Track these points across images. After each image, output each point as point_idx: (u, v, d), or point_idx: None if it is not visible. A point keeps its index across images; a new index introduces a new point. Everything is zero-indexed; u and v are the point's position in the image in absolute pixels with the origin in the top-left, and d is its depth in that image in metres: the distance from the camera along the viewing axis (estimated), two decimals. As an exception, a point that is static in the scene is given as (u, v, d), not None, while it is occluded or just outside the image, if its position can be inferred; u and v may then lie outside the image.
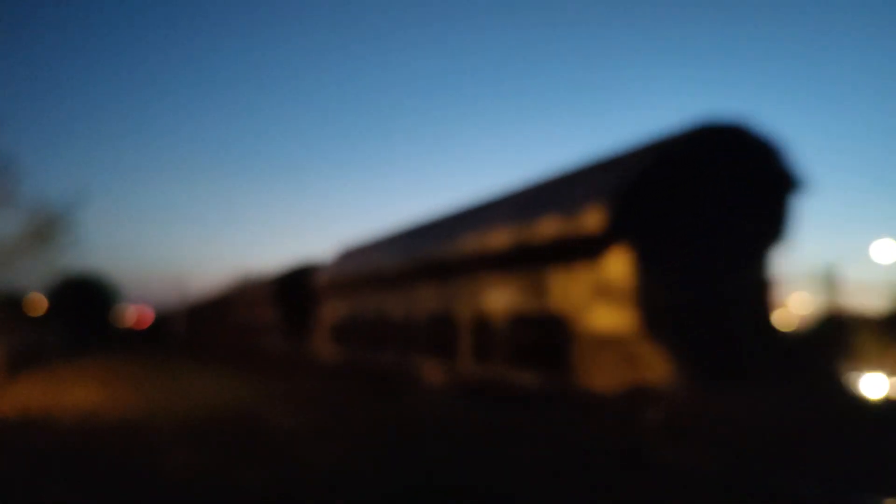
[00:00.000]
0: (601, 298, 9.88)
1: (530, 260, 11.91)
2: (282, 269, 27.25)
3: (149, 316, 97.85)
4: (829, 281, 25.70)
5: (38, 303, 60.06)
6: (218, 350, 38.79)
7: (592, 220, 9.85)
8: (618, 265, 9.62)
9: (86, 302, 71.21)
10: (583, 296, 10.31)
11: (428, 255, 15.35)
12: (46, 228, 19.85)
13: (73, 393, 16.31)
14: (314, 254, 24.76)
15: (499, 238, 12.73)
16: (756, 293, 10.39)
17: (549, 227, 10.98)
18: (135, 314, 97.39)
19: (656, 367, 8.93)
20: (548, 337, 11.31)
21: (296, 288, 24.84)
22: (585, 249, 10.28)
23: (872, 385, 16.66)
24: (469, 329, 14.06)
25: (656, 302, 9.46)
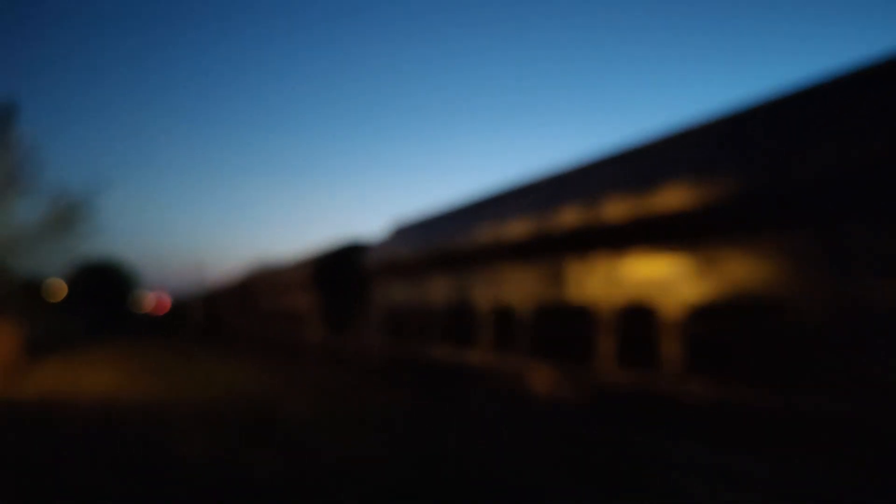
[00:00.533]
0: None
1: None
2: (322, 250, 24.94)
3: (167, 302, 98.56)
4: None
5: (59, 288, 60.65)
6: (240, 338, 37.93)
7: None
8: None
9: (105, 288, 71.83)
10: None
11: (542, 222, 10.84)
12: (67, 215, 20.01)
13: (91, 378, 16.37)
14: (345, 236, 23.71)
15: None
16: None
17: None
18: (153, 300, 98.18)
19: None
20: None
21: (338, 270, 23.02)
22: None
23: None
24: (611, 323, 9.77)
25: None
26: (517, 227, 11.70)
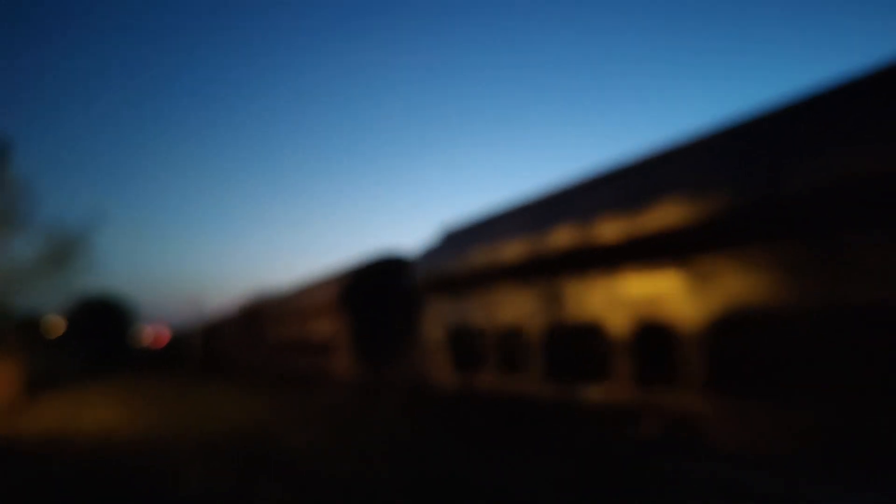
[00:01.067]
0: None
1: None
2: (351, 265, 20.96)
3: (166, 335, 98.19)
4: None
5: (56, 324, 60.43)
6: (245, 372, 34.75)
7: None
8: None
9: (103, 322, 71.52)
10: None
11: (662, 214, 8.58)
12: (63, 250, 20.04)
13: (90, 413, 16.29)
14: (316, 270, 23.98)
15: None
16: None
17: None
18: (152, 334, 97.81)
19: None
20: None
21: (373, 289, 19.45)
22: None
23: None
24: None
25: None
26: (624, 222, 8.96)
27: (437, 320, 14.50)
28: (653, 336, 8.34)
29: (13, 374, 22.37)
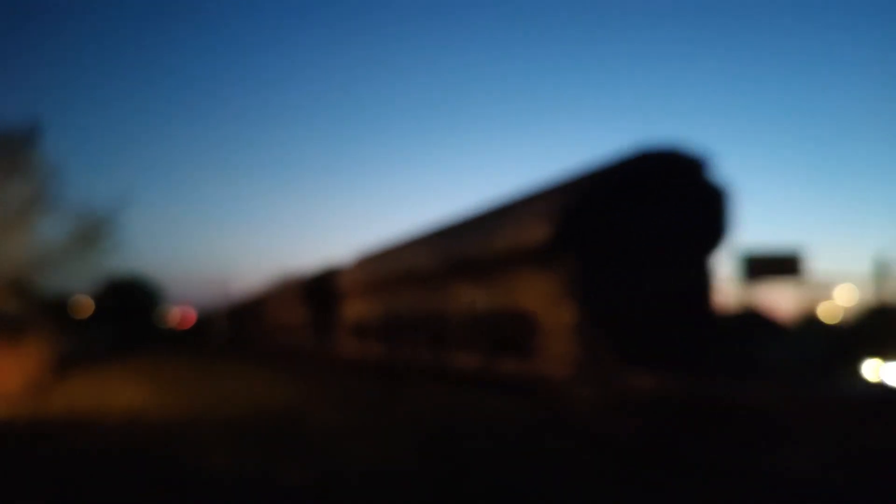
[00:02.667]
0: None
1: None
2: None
3: (192, 316, 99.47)
4: (879, 274, 25.08)
5: (85, 305, 61.48)
6: (256, 348, 39.75)
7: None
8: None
9: (130, 303, 72.74)
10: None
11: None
12: (91, 232, 20.36)
13: (118, 393, 16.61)
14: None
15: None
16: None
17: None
18: (178, 314, 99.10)
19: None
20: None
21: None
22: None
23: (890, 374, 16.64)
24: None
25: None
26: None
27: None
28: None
29: (42, 355, 22.80)
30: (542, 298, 11.58)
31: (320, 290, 26.75)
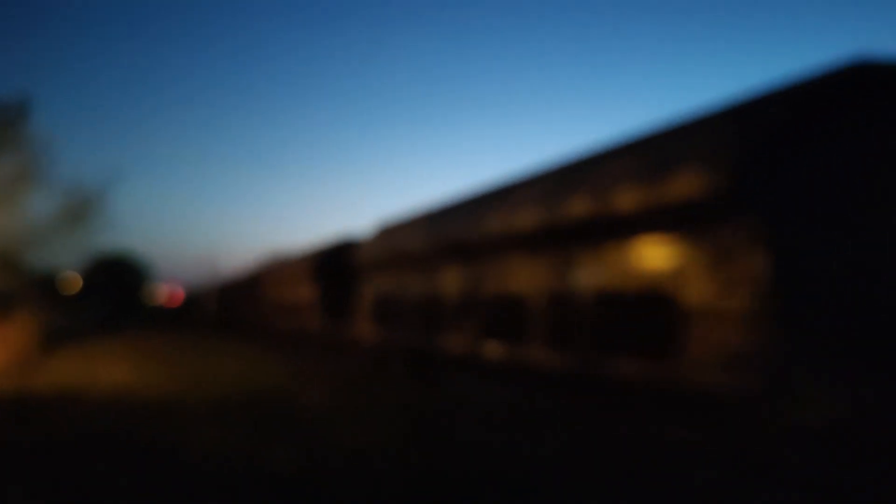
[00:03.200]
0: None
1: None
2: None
3: (180, 294, 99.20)
4: None
5: (73, 281, 61.11)
6: (250, 328, 38.59)
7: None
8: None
9: (118, 280, 72.41)
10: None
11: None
12: (80, 208, 20.29)
13: (106, 370, 16.50)
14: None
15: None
16: None
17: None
18: (166, 292, 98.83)
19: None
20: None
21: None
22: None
23: None
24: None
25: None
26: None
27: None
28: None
29: (29, 331, 22.67)
30: (696, 274, 7.79)
31: (334, 265, 23.48)
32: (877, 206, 7.40)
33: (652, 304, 8.49)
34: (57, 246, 20.09)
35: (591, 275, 9.69)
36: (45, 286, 30.80)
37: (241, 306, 47.66)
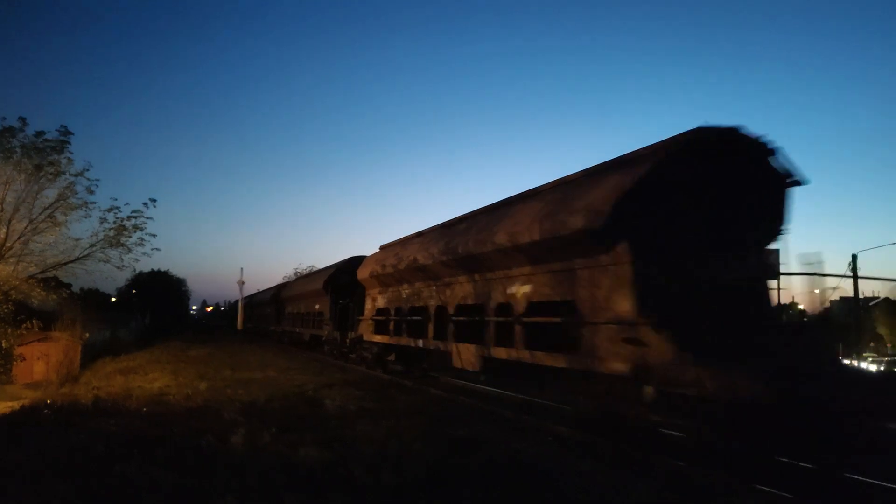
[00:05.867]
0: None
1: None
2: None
3: (214, 309, 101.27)
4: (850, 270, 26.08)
5: (115, 299, 63.67)
6: (275, 337, 41.68)
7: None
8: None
9: (156, 298, 74.77)
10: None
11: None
12: (120, 232, 21.43)
13: (144, 379, 17.57)
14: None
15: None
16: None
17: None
18: (201, 308, 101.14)
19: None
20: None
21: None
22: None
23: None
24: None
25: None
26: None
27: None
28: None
29: (75, 345, 24.67)
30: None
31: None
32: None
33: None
34: (99, 267, 21.37)
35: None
36: (88, 303, 32.63)
37: (266, 318, 49.78)
